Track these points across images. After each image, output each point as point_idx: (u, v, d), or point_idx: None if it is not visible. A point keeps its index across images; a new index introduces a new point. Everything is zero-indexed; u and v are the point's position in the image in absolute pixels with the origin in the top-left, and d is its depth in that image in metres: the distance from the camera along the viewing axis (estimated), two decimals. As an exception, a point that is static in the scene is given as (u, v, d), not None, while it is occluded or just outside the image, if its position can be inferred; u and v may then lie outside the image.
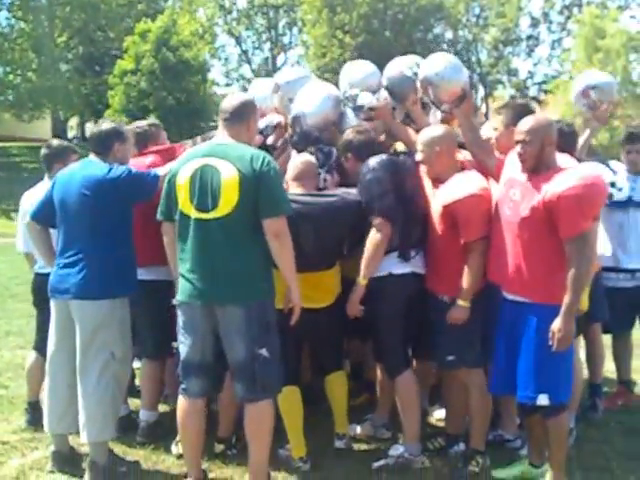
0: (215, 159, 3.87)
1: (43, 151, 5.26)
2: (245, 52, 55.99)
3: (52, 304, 4.48)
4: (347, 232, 4.59)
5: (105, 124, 4.62)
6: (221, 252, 3.83)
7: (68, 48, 42.15)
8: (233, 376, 4.01)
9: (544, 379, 3.85)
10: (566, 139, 4.63)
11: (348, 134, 4.79)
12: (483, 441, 4.45)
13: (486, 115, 46.09)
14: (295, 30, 55.27)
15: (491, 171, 4.31)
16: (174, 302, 4.10)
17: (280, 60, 55.94)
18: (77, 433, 4.41)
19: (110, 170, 4.36)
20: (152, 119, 5.64)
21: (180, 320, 4.02)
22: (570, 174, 3.82)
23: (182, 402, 4.05)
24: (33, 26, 36.52)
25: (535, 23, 48.04)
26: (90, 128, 49.84)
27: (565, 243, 3.77)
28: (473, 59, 46.94)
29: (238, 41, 55.48)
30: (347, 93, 5.09)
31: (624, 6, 43.48)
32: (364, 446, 4.90)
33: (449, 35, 46.54)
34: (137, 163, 4.86)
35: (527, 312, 3.91)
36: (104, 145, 4.49)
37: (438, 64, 4.56)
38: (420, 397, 4.72)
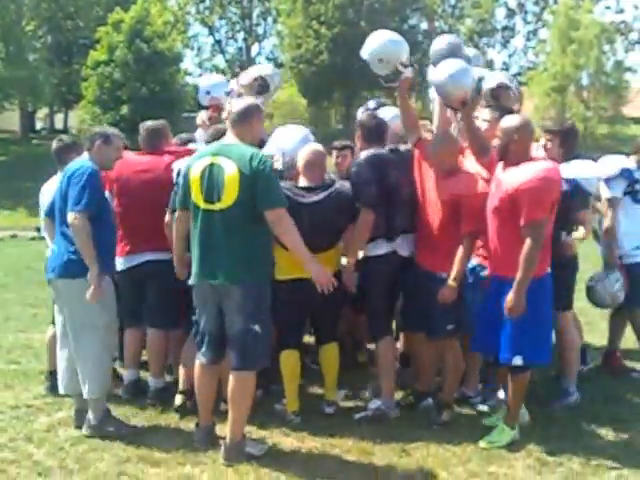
0: (221, 157, 4.42)
1: (54, 145, 5.76)
2: (219, 42, 55.71)
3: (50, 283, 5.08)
4: (343, 219, 5.10)
5: (98, 127, 5.44)
6: (224, 239, 4.38)
7: (36, 37, 41.61)
8: (229, 346, 4.53)
9: (520, 343, 4.49)
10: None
11: (363, 116, 5.54)
12: (453, 396, 5.19)
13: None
14: (270, 20, 55.11)
15: (485, 165, 4.89)
16: (189, 283, 4.62)
17: (254, 50, 55.82)
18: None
19: (74, 172, 4.84)
20: (161, 120, 6.00)
21: (194, 298, 4.64)
22: (527, 170, 4.41)
23: (198, 365, 4.66)
24: (0, 14, 35.86)
25: (510, 14, 48.47)
26: (60, 119, 49.66)
27: (522, 228, 4.38)
28: (448, 50, 47.23)
29: (211, 31, 55.22)
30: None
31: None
32: (349, 404, 5.50)
33: (425, 26, 46.66)
34: (157, 161, 5.54)
35: (504, 285, 4.49)
36: (90, 142, 5.05)
37: (443, 72, 4.90)
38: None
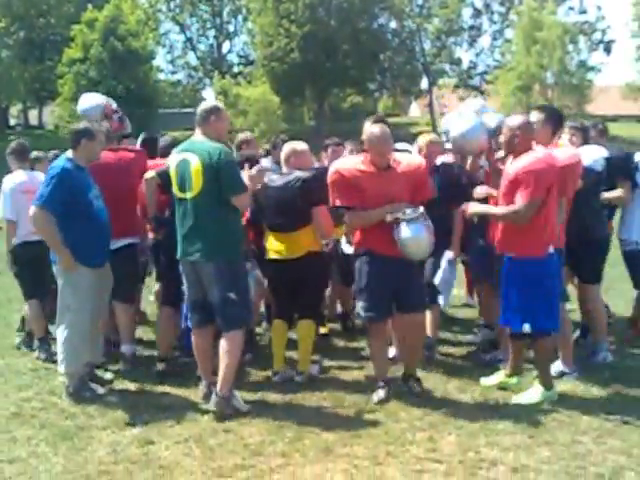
0: (188, 153, 5.23)
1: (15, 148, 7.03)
2: (190, 39, 56.13)
3: None
4: (302, 201, 5.70)
5: (82, 123, 5.89)
6: (195, 222, 5.17)
7: (8, 34, 41.88)
8: (214, 312, 5.26)
9: (527, 313, 5.29)
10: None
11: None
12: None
13: (430, 104, 47.37)
14: (240, 18, 55.56)
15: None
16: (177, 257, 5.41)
17: (225, 47, 56.33)
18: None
19: (49, 171, 5.55)
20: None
21: (181, 272, 5.41)
22: (525, 158, 5.19)
23: (193, 331, 5.48)
24: (-29, 12, 36.26)
25: (477, 14, 49.17)
26: (34, 115, 49.86)
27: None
28: (417, 49, 47.95)
29: (182, 28, 55.57)
30: None
31: (562, -2, 44.48)
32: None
33: (393, 25, 47.39)
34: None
35: (512, 264, 5.32)
36: (74, 140, 5.63)
37: (456, 130, 5.86)
38: None
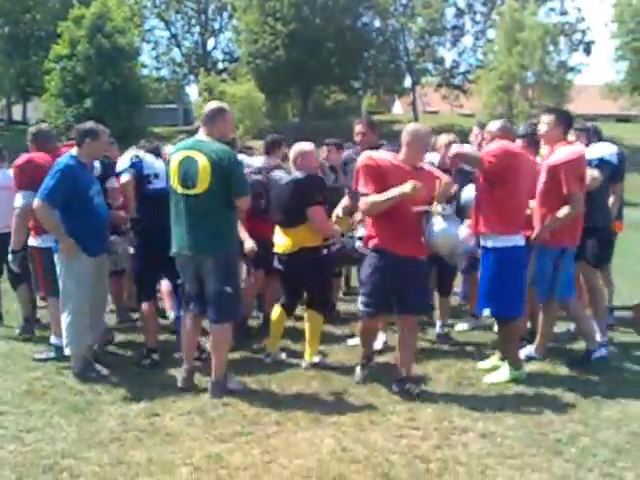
0: (194, 151, 5.38)
1: None
2: (175, 36, 56.28)
3: None
4: (295, 201, 6.02)
5: (87, 123, 6.21)
6: (197, 218, 5.38)
7: (-6, 30, 42.00)
8: (208, 303, 5.55)
9: (489, 298, 5.80)
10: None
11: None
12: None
13: (413, 102, 47.88)
14: (225, 15, 55.78)
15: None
16: (171, 253, 5.62)
17: (210, 44, 56.54)
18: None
19: (54, 167, 5.89)
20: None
21: (177, 266, 5.69)
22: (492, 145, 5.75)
23: (185, 319, 5.79)
24: (-43, 7, 36.35)
25: (460, 14, 49.66)
26: (18, 111, 49.85)
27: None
28: (401, 48, 48.39)
29: (167, 25, 55.74)
30: None
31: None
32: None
33: (377, 24, 47.84)
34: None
35: (485, 252, 5.82)
36: (79, 139, 6.02)
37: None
38: None
